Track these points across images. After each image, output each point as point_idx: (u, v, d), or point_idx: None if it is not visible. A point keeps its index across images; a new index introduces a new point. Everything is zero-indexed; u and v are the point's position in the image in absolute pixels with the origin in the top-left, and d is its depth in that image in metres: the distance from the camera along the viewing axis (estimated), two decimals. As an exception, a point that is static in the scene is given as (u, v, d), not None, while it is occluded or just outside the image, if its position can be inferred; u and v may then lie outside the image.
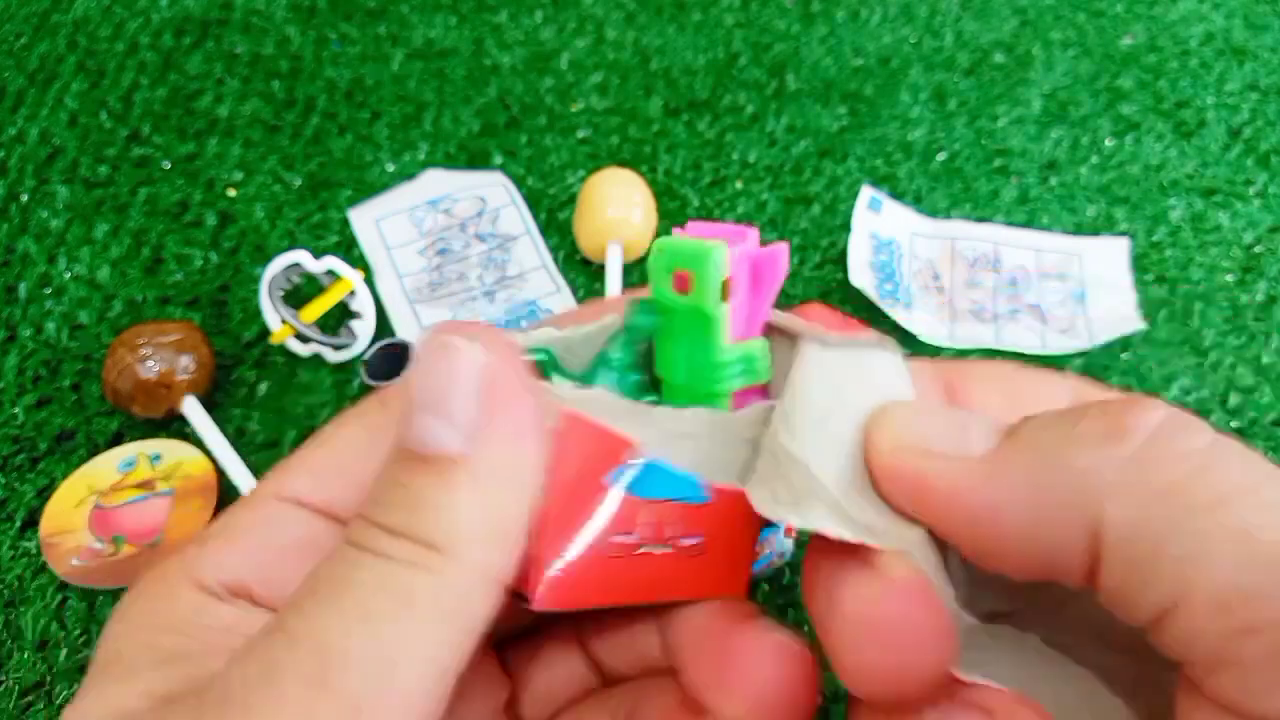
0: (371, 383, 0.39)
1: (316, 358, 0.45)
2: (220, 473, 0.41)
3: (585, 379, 0.18)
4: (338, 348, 0.45)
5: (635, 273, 0.48)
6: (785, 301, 0.47)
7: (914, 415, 0.16)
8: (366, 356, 0.40)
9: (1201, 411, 0.43)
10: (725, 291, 0.16)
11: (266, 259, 0.47)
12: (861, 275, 0.47)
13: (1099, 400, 0.15)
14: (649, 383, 0.18)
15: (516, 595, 0.16)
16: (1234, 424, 0.43)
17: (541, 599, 0.16)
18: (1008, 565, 0.15)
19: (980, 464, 0.15)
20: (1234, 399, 0.44)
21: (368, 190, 0.52)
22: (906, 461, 0.15)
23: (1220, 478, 0.13)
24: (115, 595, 0.38)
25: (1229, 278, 0.49)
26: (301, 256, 0.44)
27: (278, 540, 0.16)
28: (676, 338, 0.17)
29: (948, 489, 0.15)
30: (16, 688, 0.35)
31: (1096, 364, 0.45)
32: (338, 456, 0.17)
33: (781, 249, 0.17)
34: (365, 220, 0.51)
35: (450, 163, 0.53)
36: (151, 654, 0.15)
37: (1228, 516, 0.13)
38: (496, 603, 0.15)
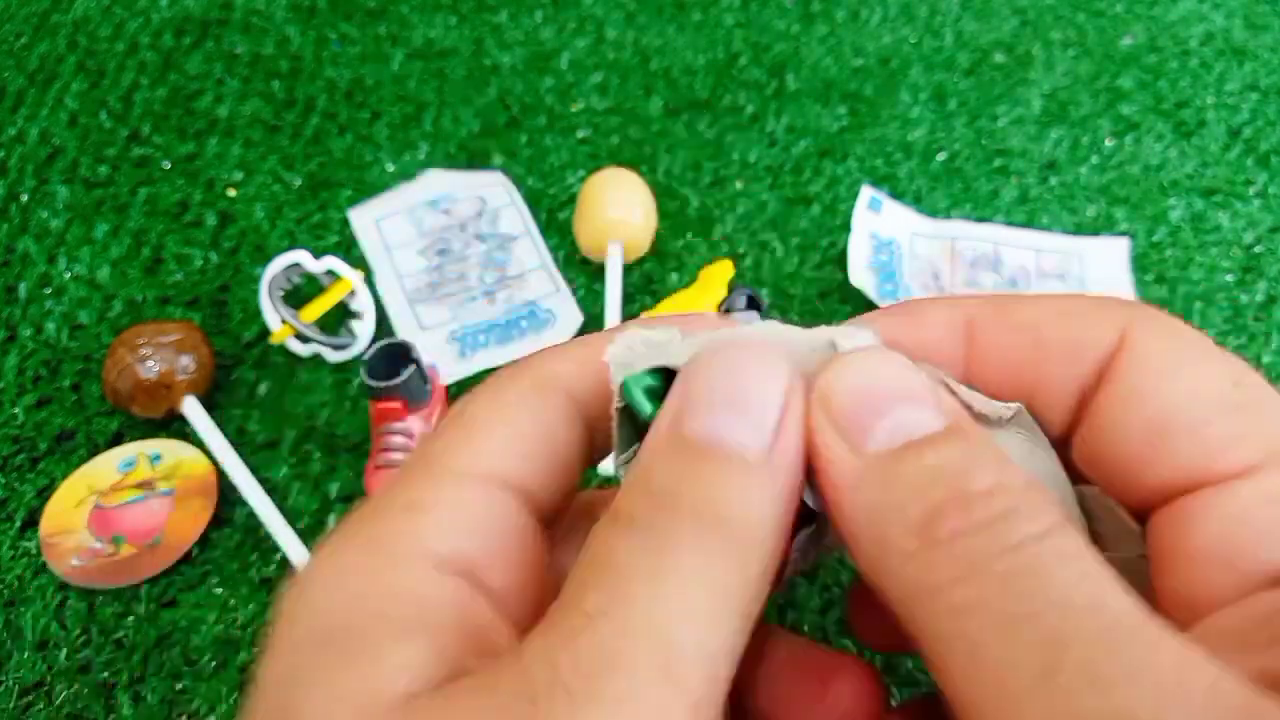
0: (371, 383, 0.39)
1: (316, 358, 0.45)
2: (220, 473, 0.41)
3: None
4: (338, 348, 0.45)
5: (635, 272, 0.48)
6: (785, 302, 0.47)
7: (856, 378, 0.15)
8: (366, 356, 0.40)
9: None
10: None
11: (266, 259, 0.47)
12: (861, 275, 0.47)
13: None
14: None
15: None
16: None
17: None
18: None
19: (860, 468, 0.15)
20: (1234, 399, 0.44)
21: (368, 190, 0.52)
22: (818, 430, 0.15)
23: None
24: (115, 595, 0.38)
25: (1229, 278, 0.49)
26: (301, 256, 0.44)
27: (492, 521, 0.16)
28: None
29: (831, 481, 0.15)
30: (16, 687, 0.35)
31: (1096, 364, 0.45)
32: (520, 438, 0.17)
33: None
34: (365, 220, 0.51)
35: (450, 163, 0.53)
36: (391, 627, 0.14)
37: None
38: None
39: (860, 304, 0.47)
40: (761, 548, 0.14)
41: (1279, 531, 0.14)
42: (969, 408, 0.16)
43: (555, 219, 0.51)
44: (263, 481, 0.40)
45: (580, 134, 0.55)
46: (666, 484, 0.14)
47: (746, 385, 0.15)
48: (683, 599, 0.13)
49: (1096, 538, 0.17)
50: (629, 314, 0.46)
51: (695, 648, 0.13)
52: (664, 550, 0.14)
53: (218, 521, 0.40)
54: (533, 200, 0.51)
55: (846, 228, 0.49)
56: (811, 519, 0.17)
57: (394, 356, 0.41)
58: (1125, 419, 0.16)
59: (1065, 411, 0.17)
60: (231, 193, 0.52)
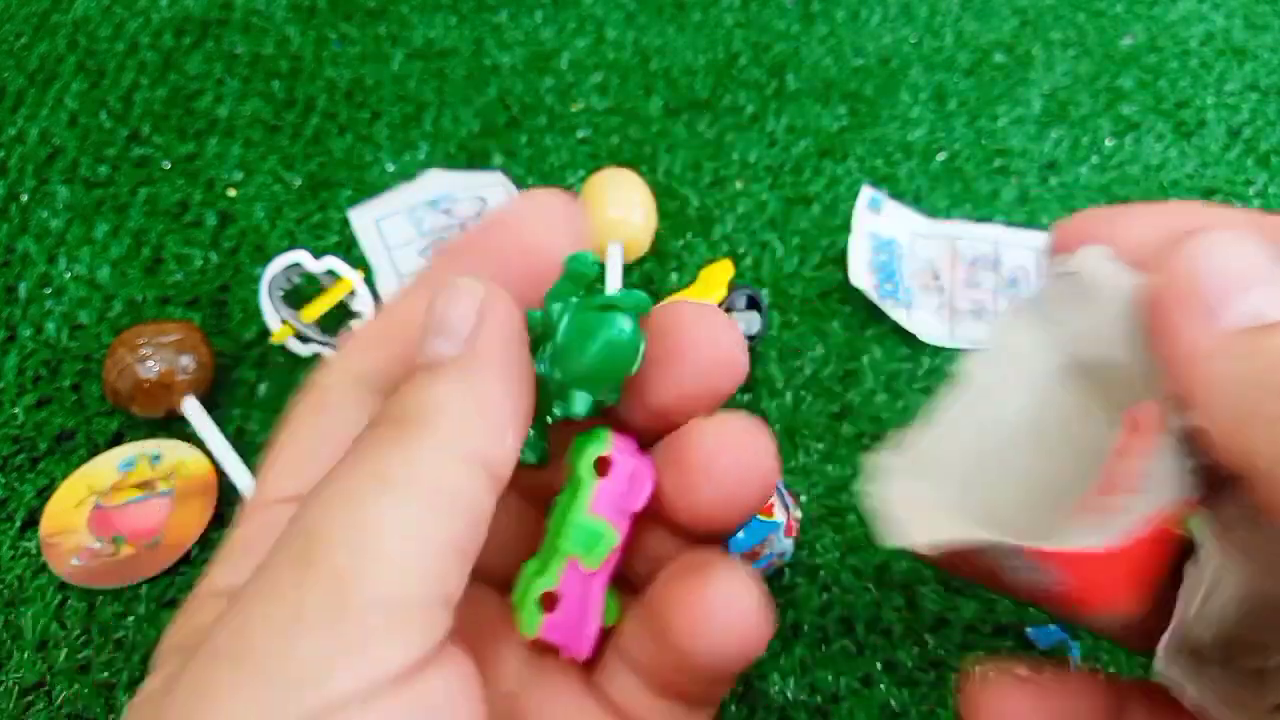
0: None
1: (316, 358, 0.45)
2: (220, 473, 0.41)
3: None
4: (338, 348, 0.45)
5: (635, 272, 0.48)
6: (785, 303, 0.47)
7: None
8: (366, 356, 0.40)
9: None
10: (602, 468, 0.19)
11: (266, 259, 0.47)
12: (861, 275, 0.47)
13: None
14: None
15: None
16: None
17: None
18: None
19: None
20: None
21: (368, 190, 0.52)
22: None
23: None
24: (115, 595, 0.38)
25: (1229, 278, 0.49)
26: (301, 256, 0.44)
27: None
28: (566, 486, 0.19)
29: (1182, 353, 0.16)
30: (16, 688, 0.35)
31: (1096, 364, 0.45)
32: (309, 450, 0.18)
33: (649, 474, 0.19)
34: (365, 220, 0.51)
35: (450, 163, 0.54)
36: (177, 656, 0.16)
37: None
38: (491, 492, 0.16)
39: (861, 304, 0.47)
40: (440, 424, 0.16)
41: None
42: None
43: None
44: (263, 481, 0.40)
45: (580, 134, 0.55)
46: (403, 396, 0.17)
47: (444, 311, 0.17)
48: (341, 494, 0.15)
49: None
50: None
51: (341, 532, 0.15)
52: (342, 460, 0.16)
53: (218, 521, 0.40)
54: (533, 200, 0.51)
55: (846, 228, 0.49)
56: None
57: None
58: None
59: None
60: (231, 193, 0.52)
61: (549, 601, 0.19)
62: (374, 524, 0.15)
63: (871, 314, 0.47)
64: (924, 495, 0.18)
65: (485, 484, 0.16)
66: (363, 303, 0.45)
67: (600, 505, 0.19)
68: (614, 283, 0.46)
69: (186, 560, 0.39)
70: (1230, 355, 0.15)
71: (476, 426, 0.16)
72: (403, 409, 0.16)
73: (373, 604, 0.14)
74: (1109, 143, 0.55)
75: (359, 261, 0.48)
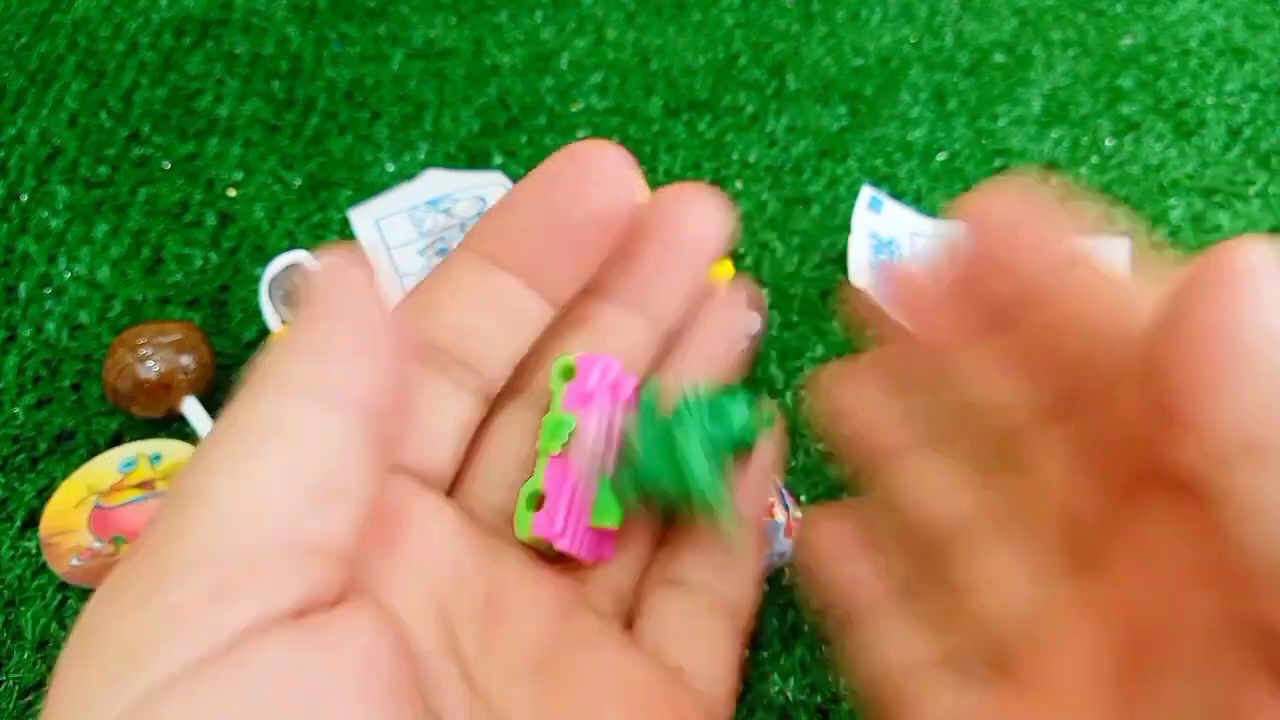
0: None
1: (316, 358, 0.45)
2: (220, 473, 0.41)
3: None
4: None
5: (635, 273, 0.48)
6: (785, 302, 0.47)
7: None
8: (366, 356, 0.40)
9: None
10: (568, 374, 0.20)
11: (266, 259, 0.47)
12: (861, 275, 0.47)
13: None
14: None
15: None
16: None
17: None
18: None
19: None
20: (1234, 399, 0.44)
21: (368, 190, 0.52)
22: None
23: None
24: (115, 595, 0.38)
25: (1229, 278, 0.49)
26: (301, 256, 0.44)
27: None
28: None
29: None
30: (16, 688, 0.35)
31: (1096, 364, 0.45)
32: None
33: (618, 364, 0.20)
34: (365, 220, 0.51)
35: (450, 163, 0.54)
36: None
37: None
38: (349, 423, 0.15)
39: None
40: (302, 375, 0.16)
41: None
42: None
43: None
44: (263, 481, 0.40)
45: (580, 134, 0.55)
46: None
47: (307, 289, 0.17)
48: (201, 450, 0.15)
49: None
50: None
51: (194, 475, 0.15)
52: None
53: (218, 521, 0.40)
54: (533, 200, 0.51)
55: (846, 228, 0.49)
56: None
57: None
58: None
59: None
60: (231, 193, 0.52)
61: (539, 501, 0.20)
62: (202, 477, 0.14)
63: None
64: None
65: (333, 418, 0.15)
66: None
67: (569, 403, 0.20)
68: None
69: (186, 560, 0.39)
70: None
71: (307, 362, 0.15)
72: (253, 373, 0.16)
73: (192, 564, 0.13)
74: (1109, 143, 0.55)
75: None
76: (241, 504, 0.14)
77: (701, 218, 0.21)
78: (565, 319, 0.21)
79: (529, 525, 0.19)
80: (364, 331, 0.16)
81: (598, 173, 0.19)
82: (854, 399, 0.21)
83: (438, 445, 0.19)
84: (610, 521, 0.20)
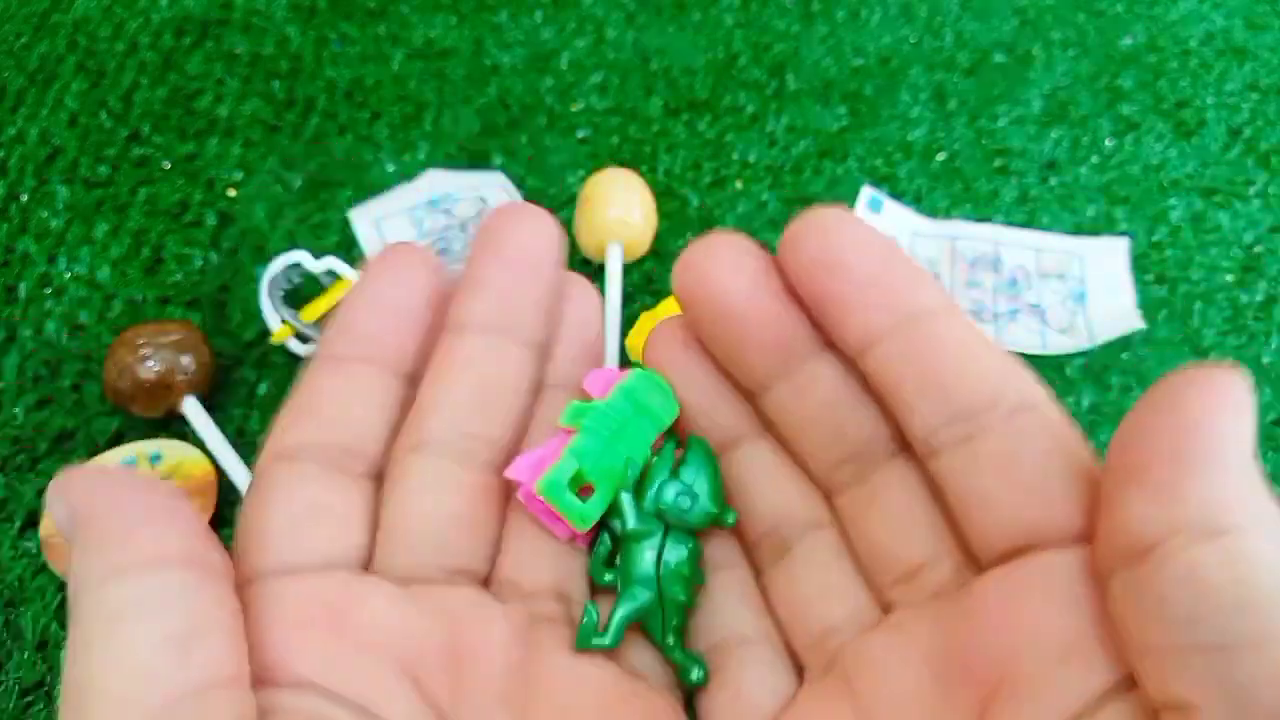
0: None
1: (316, 358, 0.45)
2: (220, 473, 0.41)
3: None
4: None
5: (635, 273, 0.48)
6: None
7: None
8: (366, 356, 0.40)
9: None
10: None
11: (266, 259, 0.47)
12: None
13: None
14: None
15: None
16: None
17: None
18: None
19: None
20: (1234, 399, 0.44)
21: (368, 190, 0.52)
22: None
23: None
24: (115, 595, 0.38)
25: (1229, 278, 0.49)
26: (301, 256, 0.44)
27: None
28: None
29: None
30: (16, 688, 0.35)
31: (1097, 364, 0.45)
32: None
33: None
34: (365, 220, 0.51)
35: (450, 163, 0.54)
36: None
37: None
38: (178, 590, 0.16)
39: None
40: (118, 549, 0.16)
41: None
42: None
43: (555, 219, 0.51)
44: (263, 481, 0.40)
45: (580, 134, 0.55)
46: None
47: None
48: None
49: None
50: (629, 313, 0.46)
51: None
52: None
53: (218, 521, 0.40)
54: (533, 200, 0.51)
55: (846, 228, 0.49)
56: None
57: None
58: None
59: None
60: (231, 193, 0.52)
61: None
62: (74, 676, 0.15)
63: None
64: None
65: (153, 577, 0.16)
66: (363, 303, 0.45)
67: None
68: (614, 283, 0.46)
69: (186, 560, 0.39)
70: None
71: (112, 548, 0.16)
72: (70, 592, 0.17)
73: None
74: (1109, 143, 0.55)
75: (359, 261, 0.48)
76: (118, 683, 0.14)
77: (534, 234, 0.23)
78: (436, 360, 0.22)
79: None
80: (142, 504, 0.17)
81: (405, 271, 0.22)
82: (683, 371, 0.22)
83: (348, 529, 0.20)
84: (580, 526, 0.21)
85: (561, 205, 0.51)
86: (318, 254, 0.45)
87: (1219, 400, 0.14)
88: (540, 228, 0.23)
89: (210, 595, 0.16)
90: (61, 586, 0.38)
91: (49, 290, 0.48)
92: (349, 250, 0.49)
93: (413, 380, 0.22)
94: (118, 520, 0.16)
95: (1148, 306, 0.47)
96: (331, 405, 0.21)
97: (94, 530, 0.16)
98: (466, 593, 0.20)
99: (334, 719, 0.16)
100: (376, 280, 0.22)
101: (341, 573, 0.19)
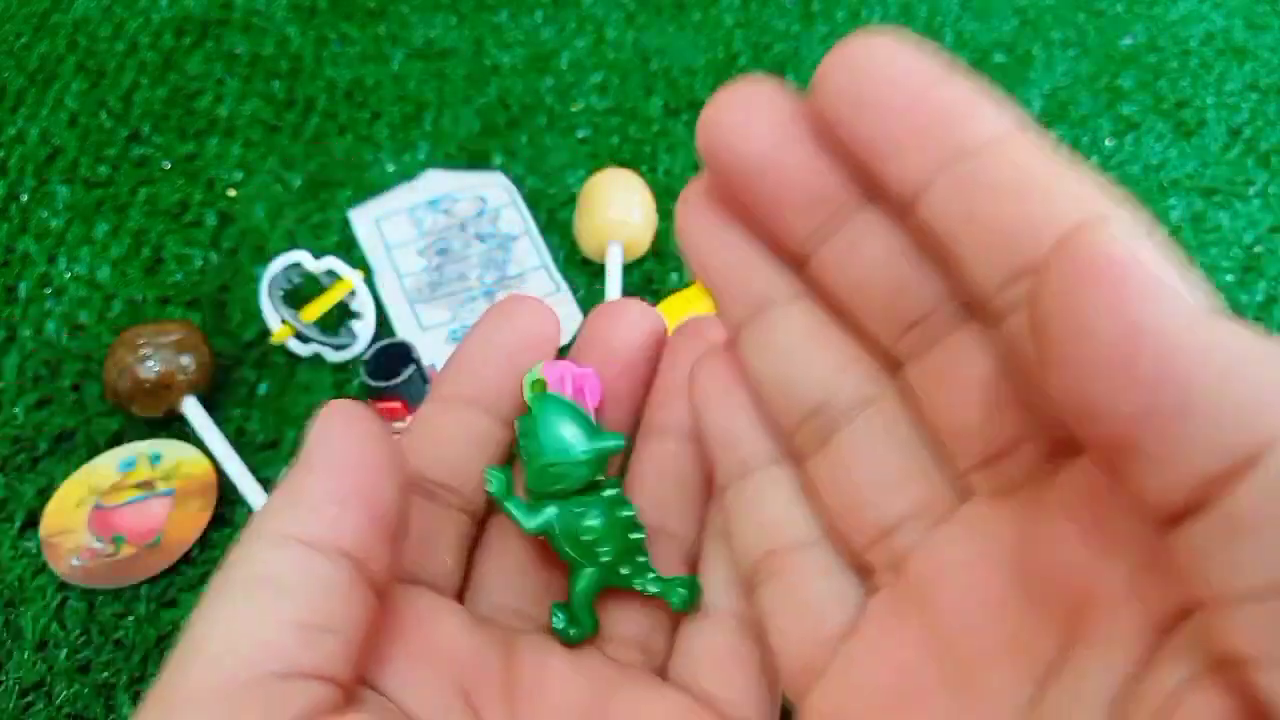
0: (372, 383, 0.39)
1: (316, 358, 0.45)
2: (220, 473, 0.41)
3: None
4: (338, 348, 0.45)
5: (635, 272, 0.48)
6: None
7: None
8: (366, 356, 0.40)
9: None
10: (539, 388, 0.22)
11: (266, 259, 0.47)
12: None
13: None
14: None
15: None
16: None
17: None
18: None
19: None
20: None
21: (368, 190, 0.52)
22: None
23: None
24: (115, 595, 0.38)
25: (1229, 278, 0.49)
26: (301, 256, 0.44)
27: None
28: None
29: None
30: (16, 687, 0.35)
31: (1096, 364, 0.45)
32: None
33: (590, 372, 0.22)
34: (365, 220, 0.51)
35: (450, 163, 0.54)
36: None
37: None
38: (331, 566, 0.16)
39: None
40: (288, 520, 0.17)
41: None
42: None
43: (555, 219, 0.51)
44: (263, 481, 0.40)
45: (580, 134, 0.55)
46: None
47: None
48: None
49: None
50: (629, 314, 0.46)
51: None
52: None
53: (218, 521, 0.40)
54: (533, 200, 0.51)
55: (846, 228, 0.49)
56: None
57: (394, 357, 0.41)
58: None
59: None
60: (231, 193, 0.52)
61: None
62: (198, 629, 0.16)
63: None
64: None
65: (316, 564, 0.16)
66: (363, 303, 0.45)
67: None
68: (614, 282, 0.46)
69: (187, 560, 0.39)
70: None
71: (294, 513, 0.17)
72: (247, 525, 0.17)
73: (189, 706, 0.15)
74: (1109, 143, 0.55)
75: (359, 261, 0.48)
76: (234, 646, 0.15)
77: (539, 320, 0.23)
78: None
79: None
80: (349, 480, 0.17)
81: (525, 319, 0.22)
82: (713, 238, 0.18)
83: (443, 558, 0.21)
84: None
85: (561, 205, 0.51)
86: (318, 254, 0.45)
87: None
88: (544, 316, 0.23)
89: (358, 598, 0.17)
90: (62, 586, 0.38)
91: (49, 290, 0.48)
92: (349, 250, 0.49)
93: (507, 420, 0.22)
94: (320, 484, 0.17)
95: (1148, 306, 0.47)
96: (435, 442, 0.21)
97: (304, 482, 0.17)
98: (538, 641, 0.20)
99: (397, 717, 0.17)
100: (492, 323, 0.22)
101: (418, 590, 0.20)
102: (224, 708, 0.15)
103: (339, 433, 0.18)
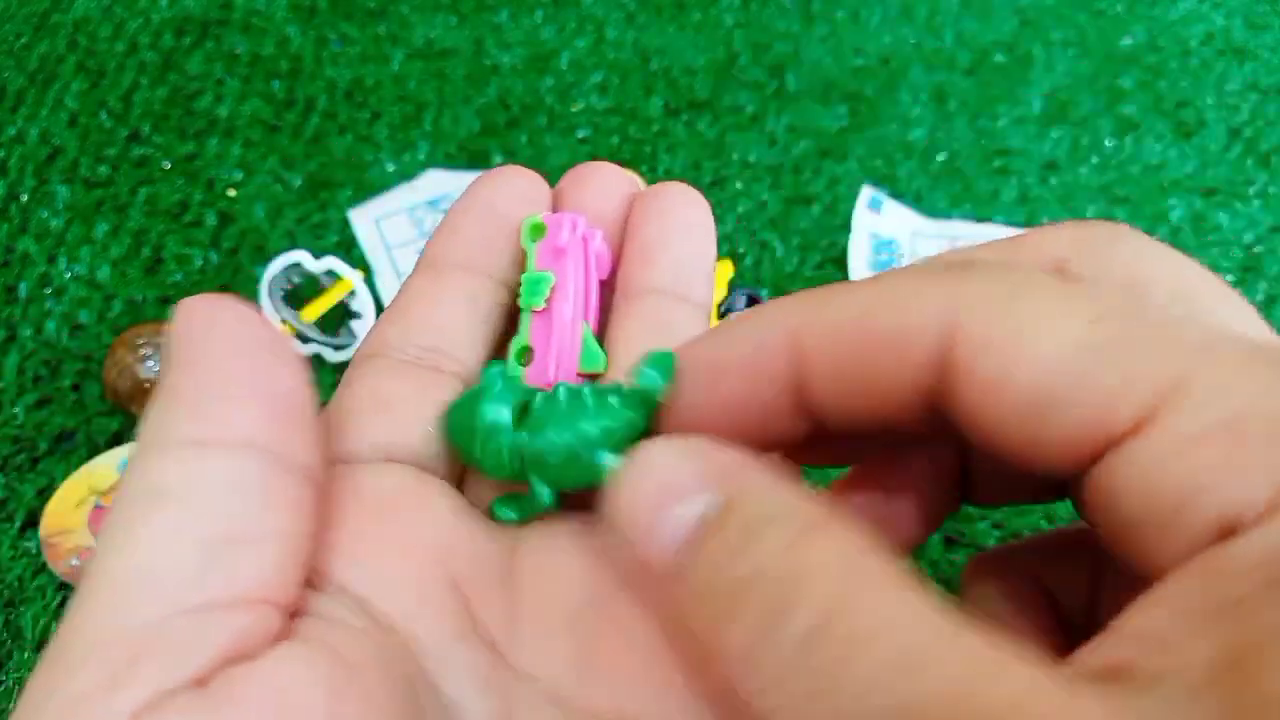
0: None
1: (316, 358, 0.45)
2: (220, 473, 0.41)
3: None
4: (338, 348, 0.45)
5: (635, 273, 0.48)
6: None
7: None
8: (366, 356, 0.40)
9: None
10: (538, 233, 0.21)
11: (266, 259, 0.47)
12: (862, 275, 0.47)
13: None
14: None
15: None
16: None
17: None
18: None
19: None
20: (1234, 399, 0.44)
21: (368, 190, 0.52)
22: None
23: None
24: (115, 595, 0.38)
25: (1229, 278, 0.49)
26: (301, 256, 0.44)
27: None
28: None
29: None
30: (16, 687, 0.35)
31: (1096, 364, 0.45)
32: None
33: (597, 232, 0.21)
34: (365, 220, 0.51)
35: (450, 163, 0.53)
36: None
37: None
38: (237, 481, 0.14)
39: (860, 304, 0.47)
40: (181, 423, 0.15)
41: (1201, 478, 0.12)
42: None
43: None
44: (263, 481, 0.40)
45: (580, 134, 0.55)
46: None
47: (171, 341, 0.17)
48: None
49: None
50: (629, 314, 0.46)
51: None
52: None
53: (218, 521, 0.40)
54: (533, 200, 0.51)
55: (846, 228, 0.49)
56: None
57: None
58: (988, 410, 0.14)
59: (918, 410, 0.15)
60: (231, 193, 0.52)
61: (528, 356, 0.21)
62: (98, 559, 0.14)
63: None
64: None
65: (219, 464, 0.14)
66: (363, 303, 0.45)
67: (543, 260, 0.21)
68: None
69: (186, 560, 0.39)
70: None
71: (177, 415, 0.15)
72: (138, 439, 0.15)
73: (88, 650, 0.13)
74: (1109, 143, 0.55)
75: (359, 261, 0.48)
76: (133, 578, 0.13)
77: (531, 184, 0.22)
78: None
79: (521, 378, 0.20)
80: (229, 369, 0.15)
81: (508, 189, 0.21)
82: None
83: (416, 422, 0.19)
84: (597, 367, 0.20)
85: (561, 205, 0.51)
86: (318, 254, 0.45)
87: None
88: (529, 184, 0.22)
89: (278, 495, 0.15)
90: (61, 586, 0.38)
91: (49, 290, 0.48)
92: (349, 250, 0.49)
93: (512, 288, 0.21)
94: (208, 379, 0.15)
95: (1148, 306, 0.47)
96: (420, 308, 0.20)
97: (180, 382, 0.15)
98: (538, 523, 0.18)
99: (355, 633, 0.15)
100: (480, 193, 0.21)
101: (402, 469, 0.18)
102: (124, 656, 0.13)
103: (201, 324, 0.16)
